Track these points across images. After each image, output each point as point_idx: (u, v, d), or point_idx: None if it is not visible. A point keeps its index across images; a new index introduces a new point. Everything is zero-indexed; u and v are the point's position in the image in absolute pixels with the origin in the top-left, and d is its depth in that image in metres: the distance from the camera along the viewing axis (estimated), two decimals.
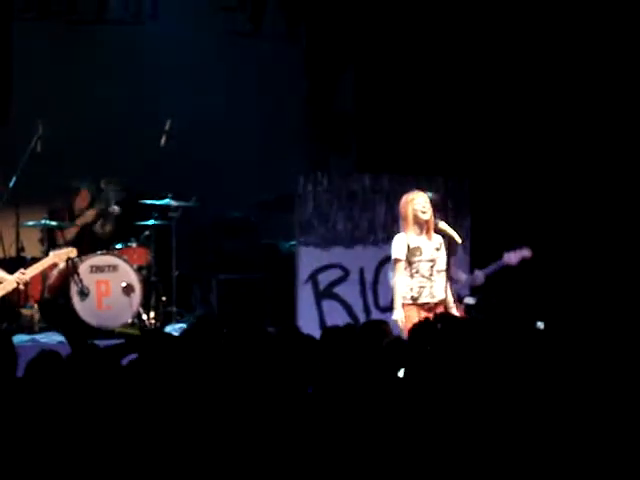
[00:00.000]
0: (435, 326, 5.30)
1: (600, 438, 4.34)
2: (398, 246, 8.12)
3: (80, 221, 10.57)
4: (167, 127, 10.49)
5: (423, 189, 8.42)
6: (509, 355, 4.96)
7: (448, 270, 8.17)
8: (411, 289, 8.09)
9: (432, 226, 8.14)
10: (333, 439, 4.26)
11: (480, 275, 8.59)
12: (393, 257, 8.15)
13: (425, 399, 4.50)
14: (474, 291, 8.82)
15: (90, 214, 10.59)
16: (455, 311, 8.19)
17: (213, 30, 11.36)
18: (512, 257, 8.33)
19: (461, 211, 9.99)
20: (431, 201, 8.21)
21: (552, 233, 10.58)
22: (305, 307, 9.76)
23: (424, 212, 8.10)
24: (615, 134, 10.60)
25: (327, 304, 9.81)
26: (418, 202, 8.13)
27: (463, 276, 8.60)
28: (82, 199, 10.59)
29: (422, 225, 8.12)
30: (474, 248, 9.74)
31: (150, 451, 4.08)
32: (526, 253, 8.31)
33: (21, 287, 9.26)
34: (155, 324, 10.33)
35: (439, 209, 8.39)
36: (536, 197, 10.72)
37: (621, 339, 5.43)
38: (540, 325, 6.10)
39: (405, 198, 8.21)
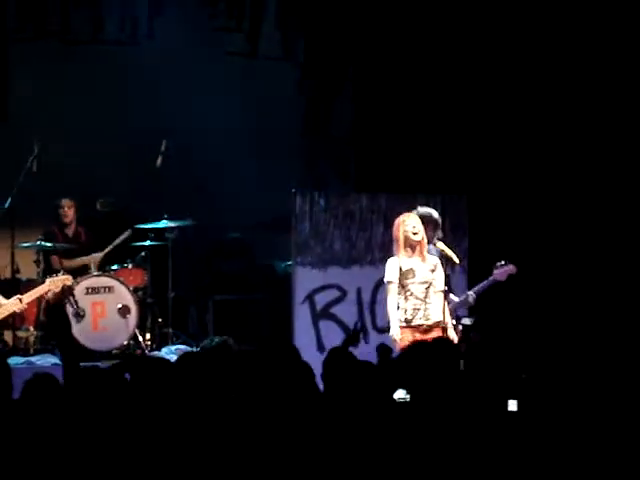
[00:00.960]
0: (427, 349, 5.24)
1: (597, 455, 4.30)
2: (390, 269, 8.10)
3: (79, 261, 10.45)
4: (163, 147, 10.46)
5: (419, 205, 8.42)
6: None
7: (446, 291, 8.14)
8: (405, 311, 8.05)
9: (424, 247, 8.10)
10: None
11: (471, 295, 8.56)
12: (385, 280, 8.14)
13: (417, 422, 4.45)
14: (471, 311, 8.77)
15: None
16: (452, 332, 8.16)
17: (210, 50, 11.33)
18: (501, 273, 8.34)
19: (459, 230, 9.94)
20: (423, 219, 8.19)
21: (551, 251, 10.56)
22: (302, 328, 9.70)
23: (415, 233, 8.07)
24: (612, 155, 10.60)
25: (324, 325, 9.75)
26: (409, 224, 8.10)
27: (455, 299, 8.56)
28: (68, 209, 10.48)
29: (414, 247, 8.09)
30: (472, 267, 9.68)
31: (143, 471, 4.04)
32: (512, 268, 8.33)
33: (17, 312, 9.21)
34: (151, 346, 10.26)
35: (435, 228, 8.33)
36: (535, 215, 10.70)
37: (618, 355, 5.38)
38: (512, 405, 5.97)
39: (397, 221, 8.18)
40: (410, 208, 8.55)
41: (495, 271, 8.30)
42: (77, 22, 11.19)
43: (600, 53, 10.62)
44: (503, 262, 8.33)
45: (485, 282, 8.43)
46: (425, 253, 8.12)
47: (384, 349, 6.94)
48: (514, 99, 10.83)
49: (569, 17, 10.69)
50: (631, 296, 10.09)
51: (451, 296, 8.50)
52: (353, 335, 6.80)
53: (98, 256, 10.45)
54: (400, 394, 5.07)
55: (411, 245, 8.08)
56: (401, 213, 8.40)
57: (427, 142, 10.95)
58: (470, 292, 8.61)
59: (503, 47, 10.84)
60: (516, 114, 10.84)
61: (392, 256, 8.19)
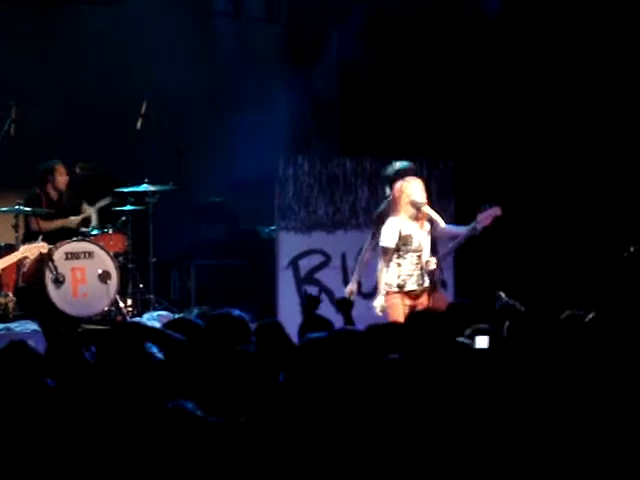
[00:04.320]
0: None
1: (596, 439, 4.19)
2: (389, 233, 7.95)
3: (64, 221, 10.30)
4: (143, 110, 10.29)
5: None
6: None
7: (437, 255, 8.04)
8: (398, 276, 7.94)
9: (424, 211, 7.96)
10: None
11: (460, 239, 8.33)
12: (383, 245, 8.00)
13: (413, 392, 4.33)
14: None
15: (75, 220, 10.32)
16: (440, 296, 8.07)
17: (193, 10, 11.16)
18: (485, 217, 8.10)
19: (445, 194, 9.82)
20: (412, 172, 8.09)
21: (537, 214, 10.49)
22: (286, 293, 9.59)
23: (421, 196, 7.95)
24: (599, 119, 10.51)
25: (308, 290, 9.62)
26: (415, 187, 7.96)
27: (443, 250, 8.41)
28: (60, 174, 10.32)
29: (417, 210, 7.95)
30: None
31: (124, 446, 3.91)
32: (496, 211, 8.10)
33: None
34: (132, 311, 10.13)
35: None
36: (521, 178, 10.61)
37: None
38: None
39: (402, 182, 8.01)
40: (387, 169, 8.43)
41: (479, 215, 8.09)
42: None
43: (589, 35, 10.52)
44: (487, 205, 8.11)
45: (470, 227, 8.16)
46: (424, 220, 7.98)
47: (344, 302, 6.75)
48: (501, 62, 10.70)
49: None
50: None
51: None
52: (309, 302, 6.58)
53: (76, 219, 10.30)
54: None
55: (416, 209, 7.94)
56: (384, 177, 8.29)
57: (413, 105, 10.83)
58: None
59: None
60: (502, 79, 10.72)
61: (380, 218, 8.06)
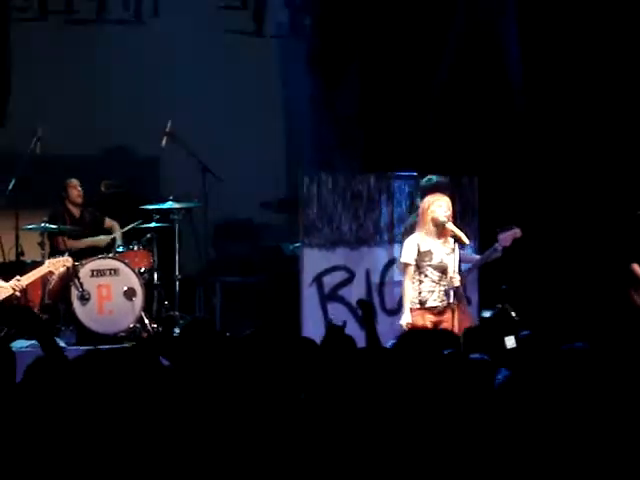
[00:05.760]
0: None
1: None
2: (408, 249, 8.01)
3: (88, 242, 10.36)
4: (168, 128, 10.35)
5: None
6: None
7: (460, 272, 8.03)
8: (419, 293, 7.97)
9: (449, 231, 7.97)
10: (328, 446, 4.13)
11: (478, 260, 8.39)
12: (402, 261, 8.05)
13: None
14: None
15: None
16: (463, 313, 8.07)
17: (215, 28, 11.23)
18: (505, 238, 8.13)
19: (469, 210, 9.82)
20: (442, 187, 8.09)
21: (559, 231, 10.48)
22: (310, 310, 9.59)
23: (446, 216, 7.95)
24: (614, 131, 10.51)
25: (332, 306, 9.64)
26: (441, 205, 7.97)
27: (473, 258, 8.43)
28: (72, 188, 10.38)
29: (439, 229, 7.96)
30: (482, 248, 9.56)
31: (132, 455, 3.98)
32: (517, 232, 8.13)
33: (17, 294, 9.13)
34: (157, 328, 10.17)
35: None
36: (544, 195, 10.60)
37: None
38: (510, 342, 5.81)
39: (428, 199, 8.03)
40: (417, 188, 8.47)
41: (500, 236, 8.12)
42: (81, 1, 11.09)
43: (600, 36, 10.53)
44: (507, 226, 8.14)
45: (492, 248, 8.21)
46: (448, 236, 7.99)
47: (365, 304, 6.73)
48: (525, 76, 10.72)
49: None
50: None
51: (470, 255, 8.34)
52: (366, 309, 6.55)
53: (105, 239, 10.37)
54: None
55: (437, 226, 7.96)
56: (408, 193, 8.30)
57: (435, 121, 10.84)
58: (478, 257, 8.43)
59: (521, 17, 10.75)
60: (525, 95, 10.73)
61: (408, 235, 8.08)
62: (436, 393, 4.42)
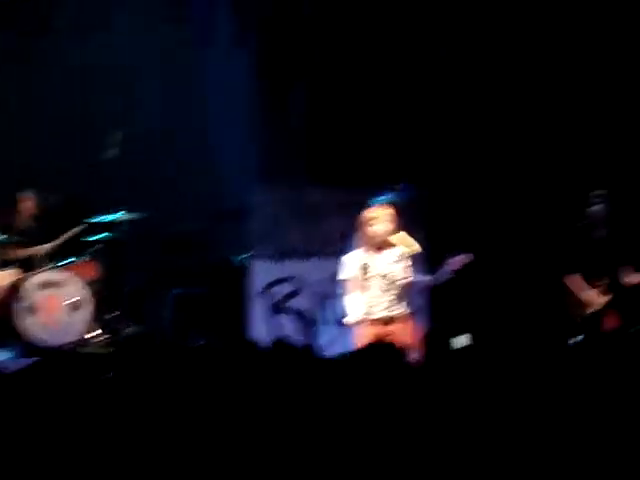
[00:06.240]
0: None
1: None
2: (347, 266, 7.98)
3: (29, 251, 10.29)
4: (117, 138, 10.32)
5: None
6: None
7: (409, 282, 8.05)
8: (365, 305, 7.95)
9: (389, 240, 7.99)
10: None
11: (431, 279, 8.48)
12: (341, 277, 8.03)
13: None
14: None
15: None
16: (410, 325, 8.11)
17: (162, 40, 11.21)
18: (455, 262, 8.21)
19: (416, 222, 9.86)
20: (393, 206, 8.12)
21: (506, 243, 10.58)
22: (258, 321, 9.62)
23: (380, 228, 7.94)
24: (558, 147, 10.66)
25: (281, 318, 9.67)
26: (374, 223, 7.97)
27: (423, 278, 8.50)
28: (23, 203, 10.31)
29: (377, 241, 7.97)
30: (429, 261, 9.60)
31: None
32: (467, 257, 8.21)
33: None
34: (106, 340, 10.13)
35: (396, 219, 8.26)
36: (491, 206, 10.70)
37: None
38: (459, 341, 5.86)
39: (364, 214, 8.04)
40: (366, 200, 8.49)
41: (449, 260, 8.19)
42: (27, 12, 11.03)
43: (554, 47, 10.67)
44: (457, 252, 8.21)
45: (440, 271, 8.28)
46: (389, 246, 7.99)
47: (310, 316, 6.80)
48: (465, 93, 10.82)
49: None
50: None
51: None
52: (308, 322, 6.63)
53: (45, 247, 10.30)
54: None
55: (374, 239, 7.96)
56: (358, 205, 8.31)
57: (382, 134, 10.90)
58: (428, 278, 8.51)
59: (456, 37, 10.85)
60: (468, 107, 10.83)
61: (351, 247, 8.10)
62: (381, 406, 4.45)
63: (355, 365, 4.77)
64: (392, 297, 7.96)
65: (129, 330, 9.93)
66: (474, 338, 5.25)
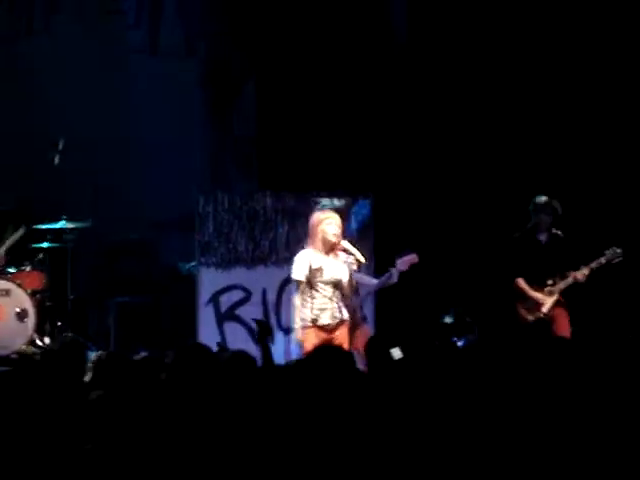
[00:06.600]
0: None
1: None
2: (299, 266, 7.96)
3: None
4: (60, 146, 10.20)
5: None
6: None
7: (356, 289, 8.06)
8: (311, 310, 7.93)
9: (340, 244, 8.00)
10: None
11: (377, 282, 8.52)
12: (293, 278, 8.02)
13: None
14: None
15: None
16: (362, 330, 8.10)
17: (110, 46, 11.13)
18: (403, 262, 8.25)
19: (364, 229, 9.86)
20: (339, 212, 8.14)
21: (456, 251, 10.62)
22: (206, 329, 9.55)
23: (334, 234, 7.95)
24: (509, 154, 10.71)
25: (229, 326, 9.62)
26: (330, 223, 7.97)
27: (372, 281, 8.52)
28: None
29: (329, 246, 7.96)
30: (378, 268, 9.60)
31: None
32: (414, 258, 8.26)
33: None
34: (49, 350, 9.99)
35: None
36: (440, 214, 10.73)
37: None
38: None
39: (317, 216, 8.04)
40: (314, 208, 8.49)
41: (398, 260, 8.22)
42: None
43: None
44: (405, 252, 8.25)
45: (388, 273, 8.31)
46: (338, 252, 8.00)
47: (261, 324, 6.83)
48: (416, 98, 10.85)
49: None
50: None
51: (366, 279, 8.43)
52: (262, 328, 6.65)
53: None
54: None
55: (326, 244, 7.96)
56: (306, 212, 8.29)
57: (331, 141, 10.89)
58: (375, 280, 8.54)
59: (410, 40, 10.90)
60: (418, 113, 10.86)
61: (301, 250, 8.07)
62: (332, 411, 4.42)
63: (305, 371, 4.75)
64: (339, 303, 7.96)
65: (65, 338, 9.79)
66: (410, 347, 5.27)
